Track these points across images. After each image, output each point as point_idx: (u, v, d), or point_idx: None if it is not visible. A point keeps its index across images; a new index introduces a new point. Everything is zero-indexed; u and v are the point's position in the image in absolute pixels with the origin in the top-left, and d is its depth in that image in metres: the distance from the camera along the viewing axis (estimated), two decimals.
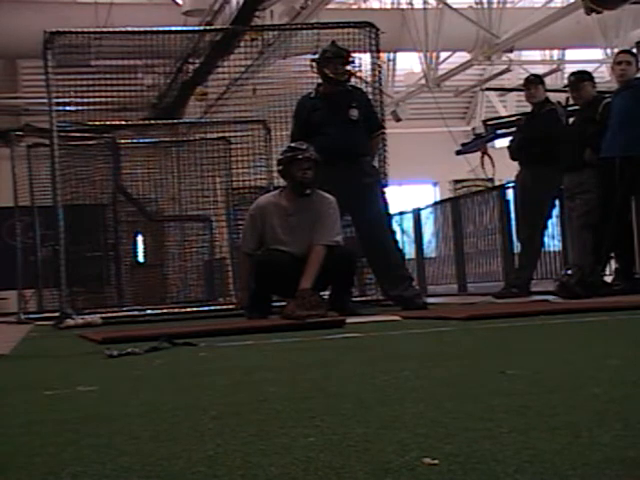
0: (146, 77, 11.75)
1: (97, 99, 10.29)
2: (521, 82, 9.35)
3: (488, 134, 12.40)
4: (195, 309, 8.66)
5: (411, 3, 16.34)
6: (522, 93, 9.28)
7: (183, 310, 8.63)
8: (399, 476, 1.22)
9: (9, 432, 1.82)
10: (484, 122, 13.14)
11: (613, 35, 17.97)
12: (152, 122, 12.18)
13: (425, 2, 16.09)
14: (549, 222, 8.39)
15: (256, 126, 10.15)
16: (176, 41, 9.69)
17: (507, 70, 17.48)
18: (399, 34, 16.14)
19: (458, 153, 14.37)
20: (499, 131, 12.12)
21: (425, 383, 2.26)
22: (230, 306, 7.92)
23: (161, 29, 9.21)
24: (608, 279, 7.80)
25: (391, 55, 19.48)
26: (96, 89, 10.07)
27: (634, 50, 15.92)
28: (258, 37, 9.89)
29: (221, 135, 10.88)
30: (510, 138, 9.15)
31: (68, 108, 9.34)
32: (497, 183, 12.58)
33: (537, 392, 1.96)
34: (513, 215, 9.34)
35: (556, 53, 20.31)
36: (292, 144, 6.40)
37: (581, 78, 7.53)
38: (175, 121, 12.94)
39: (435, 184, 23.52)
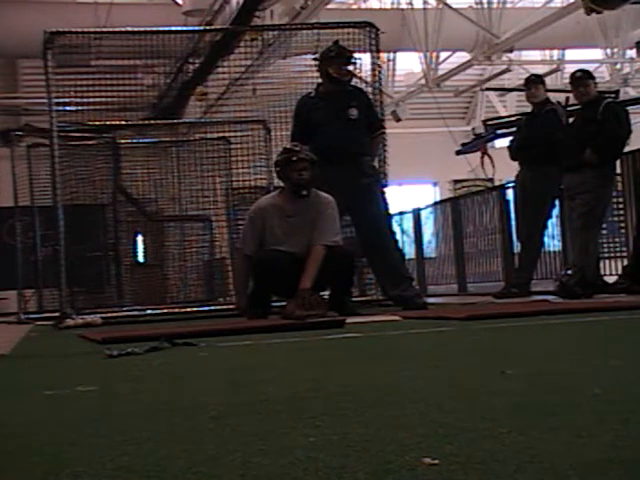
0: (146, 77, 11.75)
1: (97, 99, 10.29)
2: (521, 82, 9.35)
3: (488, 134, 12.43)
4: (195, 309, 8.65)
5: (411, 3, 16.32)
6: (522, 93, 9.29)
7: (183, 310, 8.63)
8: (399, 476, 1.22)
9: (9, 432, 1.82)
10: (484, 122, 13.18)
11: (613, 35, 17.97)
12: (152, 122, 12.17)
13: (425, 2, 16.08)
14: (549, 222, 8.39)
15: (256, 126, 10.15)
16: (176, 41, 9.69)
17: (507, 70, 17.47)
18: (399, 34, 16.13)
19: (458, 153, 14.42)
20: (499, 131, 12.15)
21: (425, 383, 2.26)
22: (230, 306, 7.92)
23: (161, 29, 9.21)
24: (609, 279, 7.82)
25: (391, 55, 19.47)
26: (96, 89, 10.07)
27: (634, 50, 16.00)
28: (258, 37, 9.89)
29: (221, 135, 10.88)
30: (510, 138, 9.15)
31: (68, 108, 9.34)
32: (497, 183, 12.60)
33: (537, 392, 1.97)
34: (513, 215, 9.34)
35: (556, 53, 20.30)
36: (287, 146, 6.40)
37: (587, 76, 7.54)
38: (175, 121, 12.94)
39: (435, 184, 23.51)
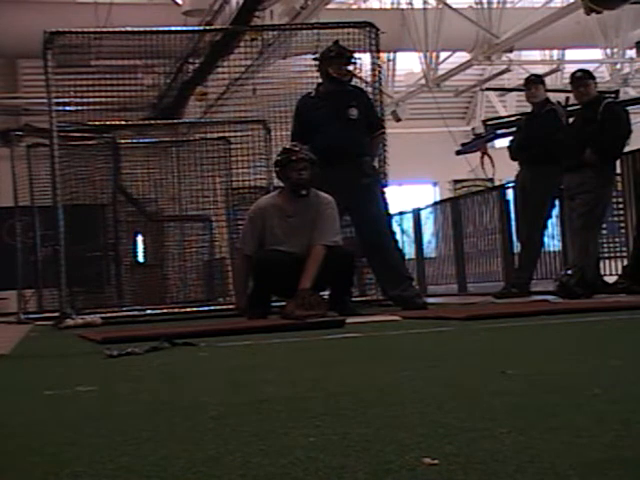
0: (146, 77, 11.74)
1: (97, 99, 10.29)
2: (521, 82, 9.35)
3: (488, 134, 12.42)
4: (195, 309, 8.66)
5: (411, 3, 16.32)
6: (522, 93, 9.28)
7: (183, 310, 8.63)
8: (399, 476, 1.22)
9: (9, 432, 1.82)
10: (484, 122, 13.16)
11: (613, 35, 17.97)
12: (152, 122, 12.17)
13: (425, 2, 16.08)
14: (549, 222, 8.39)
15: (256, 126, 10.15)
16: (176, 41, 9.68)
17: (507, 70, 17.47)
18: (399, 34, 16.13)
19: (458, 153, 14.40)
20: (499, 131, 12.14)
21: (425, 383, 2.26)
22: (230, 306, 7.91)
23: (161, 29, 9.21)
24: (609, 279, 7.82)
25: (391, 55, 19.46)
26: (96, 89, 10.07)
27: (634, 50, 15.97)
28: (258, 37, 9.88)
29: (221, 135, 10.88)
30: (510, 138, 9.15)
31: (68, 108, 9.34)
32: (497, 183, 12.59)
33: (537, 392, 1.97)
34: (513, 215, 9.33)
35: (556, 53, 20.30)
36: (286, 146, 6.40)
37: (588, 76, 7.55)
38: (175, 121, 12.94)
39: (435, 184, 23.51)
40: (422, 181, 23.18)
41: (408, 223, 13.11)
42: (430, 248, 12.69)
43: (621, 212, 8.52)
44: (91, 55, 9.36)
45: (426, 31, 16.14)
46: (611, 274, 8.44)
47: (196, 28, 12.22)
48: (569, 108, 8.77)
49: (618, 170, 7.71)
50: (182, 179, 11.73)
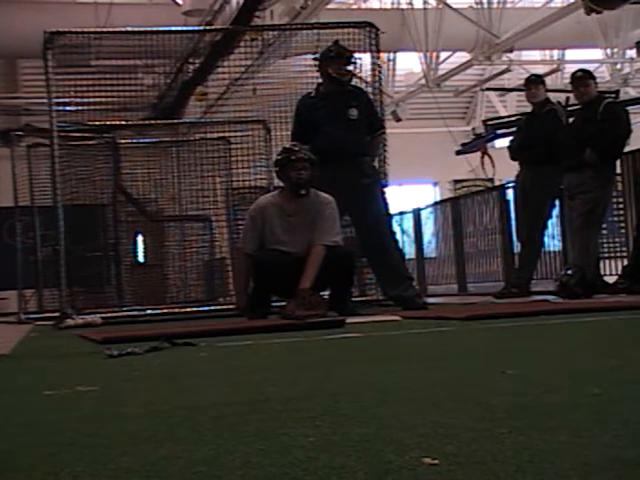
0: (146, 77, 11.75)
1: (97, 99, 10.29)
2: (521, 82, 9.35)
3: (488, 134, 12.44)
4: (195, 309, 8.65)
5: (411, 3, 16.32)
6: (522, 93, 9.28)
7: (183, 310, 8.62)
8: (399, 476, 1.22)
9: (9, 432, 1.82)
10: (484, 122, 13.19)
11: (613, 35, 17.97)
12: (152, 122, 12.18)
13: (425, 2, 16.08)
14: (549, 222, 8.39)
15: (256, 126, 10.15)
16: (176, 41, 9.69)
17: (507, 70, 17.47)
18: (399, 34, 16.13)
19: (458, 153, 14.42)
20: (499, 131, 12.16)
21: (425, 383, 2.26)
22: (230, 306, 7.91)
23: (161, 29, 9.21)
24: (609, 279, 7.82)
25: (391, 55, 19.46)
26: (96, 89, 10.08)
27: (634, 50, 15.98)
28: (258, 37, 9.89)
29: (221, 135, 10.88)
30: (510, 138, 9.15)
31: (68, 108, 9.34)
32: (497, 183, 12.60)
33: (537, 392, 1.96)
34: (513, 215, 9.33)
35: (556, 53, 20.31)
36: (286, 146, 6.40)
37: (588, 76, 7.55)
38: (175, 121, 12.95)
39: (435, 184, 23.52)
40: (422, 181, 23.18)
41: (408, 223, 13.11)
42: (430, 248, 12.69)
43: (621, 212, 8.53)
44: (91, 55, 9.37)
45: (426, 31, 16.14)
46: (611, 274, 8.44)
47: (196, 28, 12.23)
48: (569, 108, 8.77)
49: (618, 170, 7.71)
50: (182, 179, 11.73)
